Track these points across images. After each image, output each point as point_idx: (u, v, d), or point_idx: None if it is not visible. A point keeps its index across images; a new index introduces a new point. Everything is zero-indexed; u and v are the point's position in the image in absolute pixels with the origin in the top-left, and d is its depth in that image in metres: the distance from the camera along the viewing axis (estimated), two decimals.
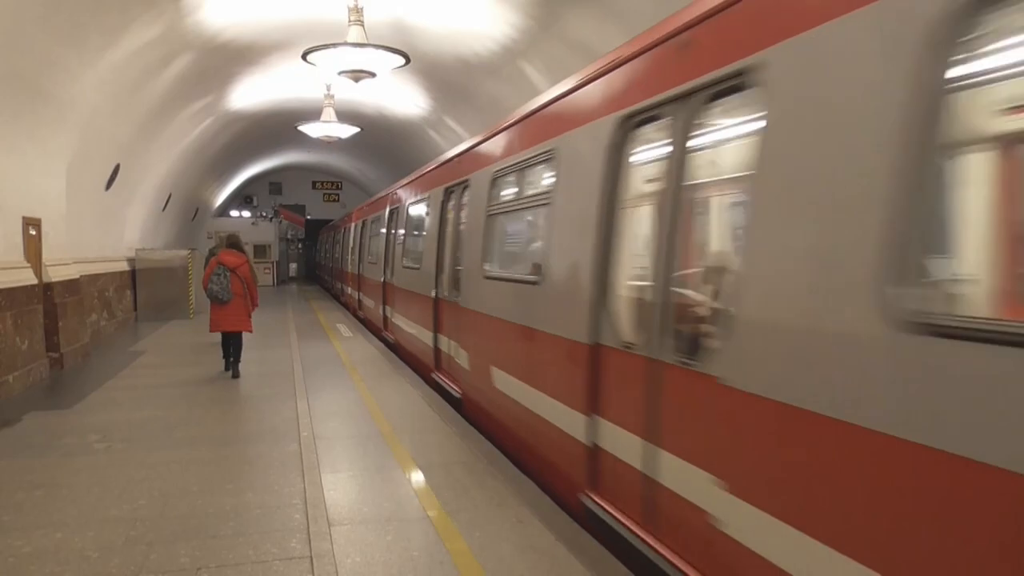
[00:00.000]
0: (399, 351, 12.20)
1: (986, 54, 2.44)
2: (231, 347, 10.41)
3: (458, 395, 8.03)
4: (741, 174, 3.31)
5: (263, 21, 12.18)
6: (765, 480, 2.95)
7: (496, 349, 6.66)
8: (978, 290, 2.89)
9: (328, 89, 16.11)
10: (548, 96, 5.80)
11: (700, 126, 3.68)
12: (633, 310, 4.36)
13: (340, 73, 10.70)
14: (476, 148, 7.90)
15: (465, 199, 8.13)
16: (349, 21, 10.04)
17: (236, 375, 10.30)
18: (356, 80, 10.85)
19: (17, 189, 9.79)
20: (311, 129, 17.44)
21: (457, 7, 11.38)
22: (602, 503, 4.47)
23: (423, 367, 10.05)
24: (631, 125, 4.31)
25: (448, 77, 14.96)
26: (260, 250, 31.87)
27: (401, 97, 17.75)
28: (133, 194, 16.53)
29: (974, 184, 2.92)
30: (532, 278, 5.73)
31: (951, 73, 2.29)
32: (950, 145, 2.62)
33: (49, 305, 10.73)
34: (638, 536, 3.99)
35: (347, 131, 17.43)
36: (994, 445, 2.06)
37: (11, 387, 9.06)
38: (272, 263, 33.52)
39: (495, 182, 6.97)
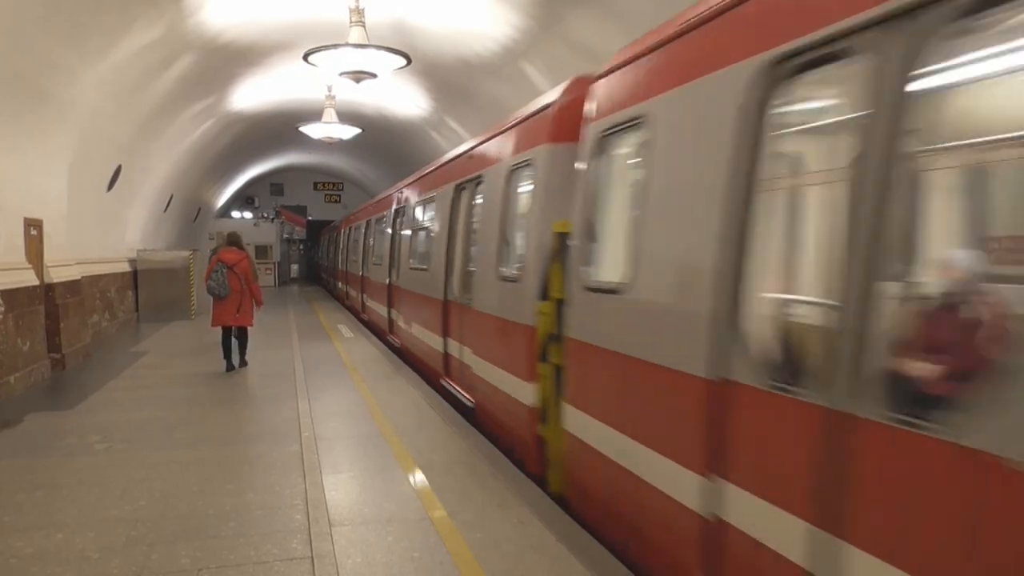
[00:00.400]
0: (405, 355, 11.93)
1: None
2: (235, 342, 10.87)
3: (472, 404, 7.54)
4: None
5: (264, 22, 12.18)
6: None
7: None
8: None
9: (329, 90, 16.11)
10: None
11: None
12: (793, 335, 3.22)
13: (341, 74, 10.70)
14: (488, 142, 7.27)
15: (479, 195, 7.48)
16: (350, 22, 10.04)
17: (243, 364, 10.95)
18: (357, 81, 10.85)
19: (18, 190, 9.79)
20: (312, 130, 17.45)
21: (458, 8, 11.38)
22: None
23: (431, 372, 9.69)
24: (784, 73, 3.03)
25: (449, 78, 14.96)
26: (261, 251, 31.86)
27: (402, 98, 17.76)
28: (134, 195, 16.55)
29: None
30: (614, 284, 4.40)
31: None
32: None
33: (50, 306, 10.73)
34: None
35: (348, 132, 17.44)
36: (609, 339, 4.36)
37: (12, 388, 9.06)
38: (273, 264, 33.53)
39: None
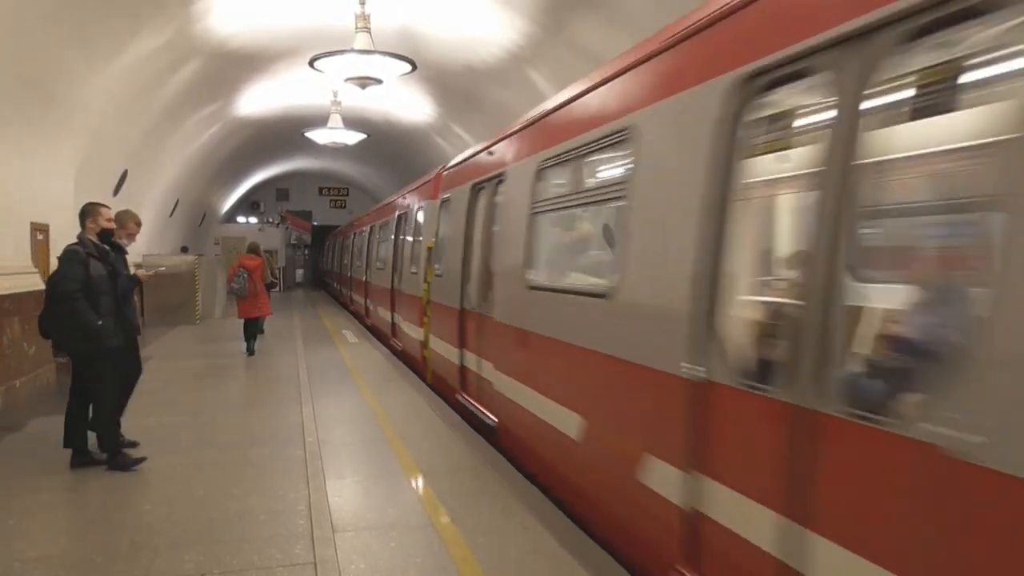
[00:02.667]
0: (407, 360, 11.73)
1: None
2: (255, 329, 13.07)
3: (493, 423, 6.93)
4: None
5: (271, 28, 12.24)
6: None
7: (563, 378, 5.31)
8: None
9: (335, 96, 16.17)
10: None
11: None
12: (762, 334, 3.39)
13: (347, 80, 10.74)
14: (513, 136, 6.95)
15: (500, 196, 7.15)
16: (356, 28, 10.08)
17: (251, 352, 12.74)
18: (363, 87, 10.89)
19: (25, 194, 9.83)
20: (318, 135, 17.51)
21: (464, 14, 11.42)
22: None
23: (445, 387, 9.10)
24: (756, 89, 3.22)
25: (454, 84, 15.00)
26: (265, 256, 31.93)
27: (408, 104, 17.81)
28: (141, 199, 16.60)
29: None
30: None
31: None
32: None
33: None
34: None
35: (354, 138, 17.50)
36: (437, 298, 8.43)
37: (18, 392, 9.09)
38: (278, 269, 33.61)
39: (542, 173, 5.90)
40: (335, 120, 16.66)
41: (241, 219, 36.52)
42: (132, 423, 7.84)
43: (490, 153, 7.59)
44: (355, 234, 22.20)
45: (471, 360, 7.71)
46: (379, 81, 10.75)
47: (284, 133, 21.67)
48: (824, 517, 2.62)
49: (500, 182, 6.99)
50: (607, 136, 4.64)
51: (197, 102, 15.04)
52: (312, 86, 15.61)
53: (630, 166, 4.27)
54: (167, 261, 17.80)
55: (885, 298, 3.15)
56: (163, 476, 6.04)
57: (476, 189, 7.87)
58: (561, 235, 6.44)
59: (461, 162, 9.06)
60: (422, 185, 12.22)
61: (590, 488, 4.74)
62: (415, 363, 11.07)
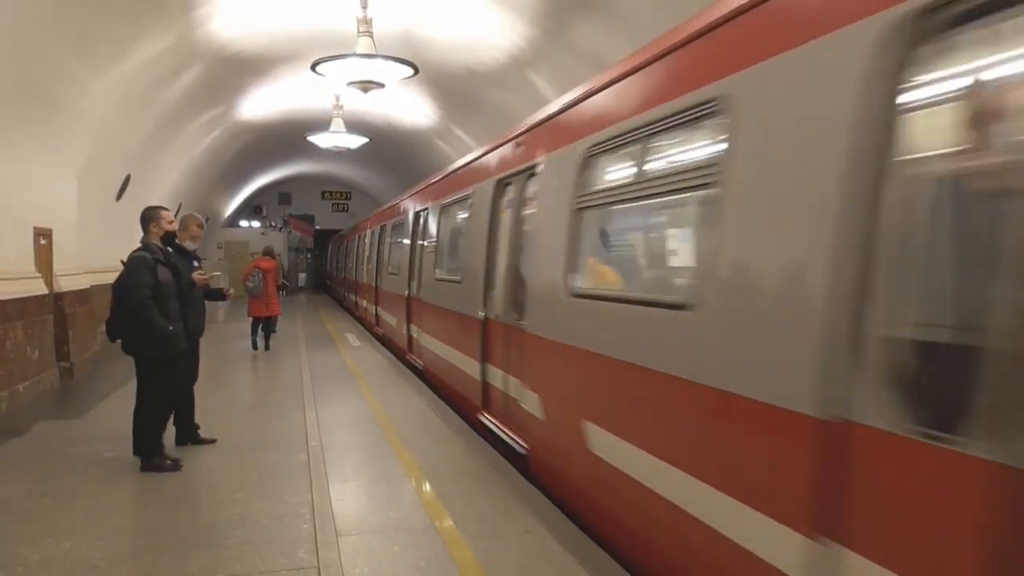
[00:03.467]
0: (428, 379, 10.44)
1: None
2: (266, 328, 14.01)
3: (524, 451, 6.12)
4: None
5: (273, 33, 12.26)
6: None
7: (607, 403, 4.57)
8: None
9: (337, 99, 16.19)
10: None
11: None
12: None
13: (349, 84, 10.75)
14: (548, 123, 6.00)
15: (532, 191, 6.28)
16: (358, 32, 10.08)
17: (267, 348, 13.92)
18: (365, 91, 10.90)
19: (28, 199, 9.85)
20: (320, 139, 17.52)
21: (465, 18, 11.43)
22: None
23: (465, 404, 8.28)
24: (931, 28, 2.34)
25: (456, 87, 15.02)
26: None
27: (409, 107, 17.82)
28: (143, 204, 16.57)
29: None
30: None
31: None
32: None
33: (59, 315, 10.78)
34: None
35: (356, 141, 17.51)
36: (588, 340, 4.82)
37: (21, 396, 9.10)
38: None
39: (589, 161, 5.01)
40: (337, 124, 16.67)
41: (244, 223, 36.55)
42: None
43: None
44: (359, 236, 21.75)
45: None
46: (381, 85, 10.76)
47: (286, 137, 21.70)
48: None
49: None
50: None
51: (199, 106, 15.07)
52: (314, 90, 15.63)
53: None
54: None
55: None
56: (167, 479, 6.04)
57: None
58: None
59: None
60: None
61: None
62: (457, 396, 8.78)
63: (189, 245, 7.07)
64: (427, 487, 5.76)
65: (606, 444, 4.46)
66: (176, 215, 20.97)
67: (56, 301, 10.75)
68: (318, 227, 39.52)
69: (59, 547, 4.67)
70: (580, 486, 5.03)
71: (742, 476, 3.12)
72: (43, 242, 10.41)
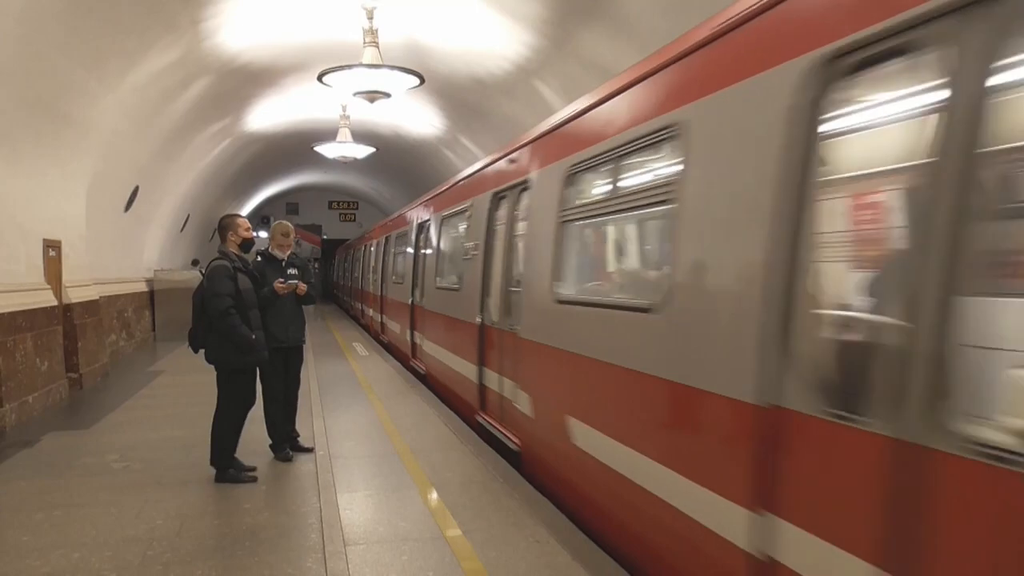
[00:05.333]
0: (431, 383, 10.87)
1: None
2: None
3: (516, 448, 6.55)
4: None
5: (279, 44, 12.34)
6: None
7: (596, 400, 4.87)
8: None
9: (344, 110, 16.28)
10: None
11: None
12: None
13: (355, 94, 10.81)
14: (538, 141, 6.48)
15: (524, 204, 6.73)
16: (364, 43, 10.15)
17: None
18: (371, 101, 10.96)
19: (38, 212, 9.92)
20: (327, 150, 17.62)
21: (471, 27, 11.48)
22: None
23: (464, 406, 8.72)
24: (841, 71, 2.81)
25: (462, 97, 15.07)
26: None
27: (416, 117, 17.90)
28: (152, 215, 16.73)
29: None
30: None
31: None
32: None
33: (68, 326, 10.84)
34: None
35: (363, 151, 17.60)
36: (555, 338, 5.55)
37: (31, 408, 9.14)
38: None
39: (572, 179, 5.49)
40: (344, 134, 16.77)
41: (254, 233, 36.77)
42: (143, 436, 7.89)
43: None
44: (365, 246, 22.10)
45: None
46: (388, 95, 10.82)
47: (293, 147, 21.82)
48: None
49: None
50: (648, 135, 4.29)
51: (207, 118, 15.16)
52: (321, 100, 15.71)
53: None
54: (179, 276, 17.92)
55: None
56: (175, 491, 6.05)
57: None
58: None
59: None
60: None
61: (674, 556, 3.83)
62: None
63: (278, 254, 7.06)
64: (435, 496, 5.76)
65: (584, 435, 4.92)
66: (184, 227, 21.07)
67: (65, 312, 10.80)
68: (325, 237, 39.69)
69: (68, 559, 4.68)
70: (566, 478, 5.40)
71: (696, 459, 3.55)
72: (52, 254, 10.47)
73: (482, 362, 7.77)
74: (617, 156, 4.68)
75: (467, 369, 8.38)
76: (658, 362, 3.91)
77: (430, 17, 11.32)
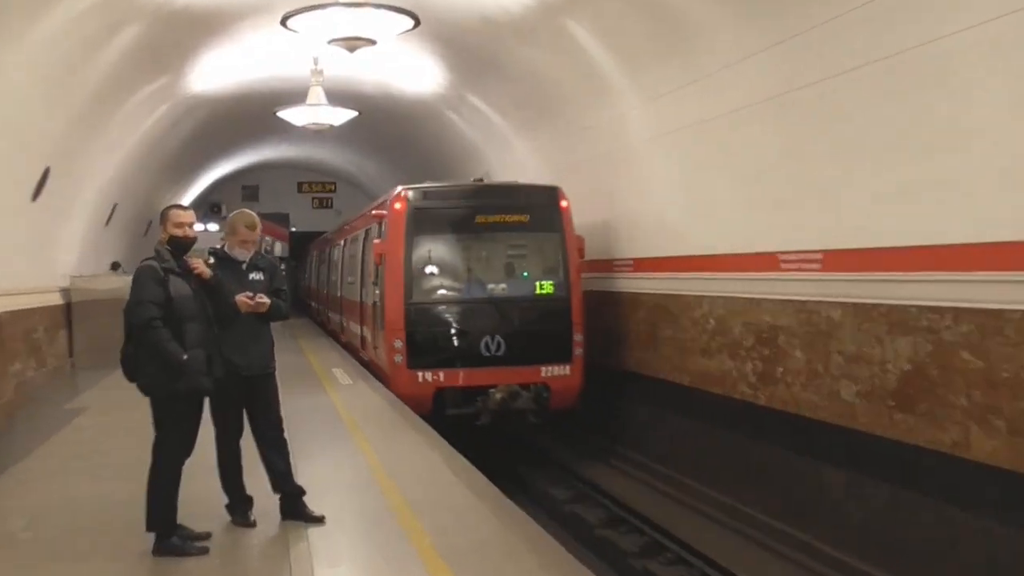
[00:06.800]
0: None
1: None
2: None
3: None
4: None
5: None
6: None
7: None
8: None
9: (316, 64, 16.27)
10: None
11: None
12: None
13: (331, 42, 10.81)
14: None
15: None
16: None
17: None
18: (351, 50, 10.95)
19: None
20: (295, 115, 17.67)
21: None
22: None
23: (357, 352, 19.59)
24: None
25: (470, 43, 15.08)
26: None
27: (410, 71, 17.93)
28: (68, 205, 16.76)
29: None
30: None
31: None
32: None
33: None
34: None
35: (341, 116, 17.65)
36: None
37: None
38: None
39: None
40: (317, 95, 16.75)
41: (199, 227, 36.85)
42: (59, 495, 7.88)
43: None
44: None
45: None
46: (372, 42, 10.80)
47: (252, 114, 21.91)
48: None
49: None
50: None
51: (139, 77, 15.22)
52: (286, 52, 15.77)
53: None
54: (103, 284, 17.93)
55: None
56: (103, 569, 6.03)
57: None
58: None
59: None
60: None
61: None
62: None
63: (240, 255, 6.90)
64: (443, 567, 5.71)
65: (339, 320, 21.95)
66: (109, 219, 21.22)
67: None
68: (294, 229, 39.70)
69: None
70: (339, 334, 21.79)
71: (355, 315, 18.16)
72: None
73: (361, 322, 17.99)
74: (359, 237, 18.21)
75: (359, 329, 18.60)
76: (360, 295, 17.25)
77: None
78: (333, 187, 39.56)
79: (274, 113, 18.35)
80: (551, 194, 14.44)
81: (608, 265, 15.49)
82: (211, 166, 30.92)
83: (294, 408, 12.09)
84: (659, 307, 13.73)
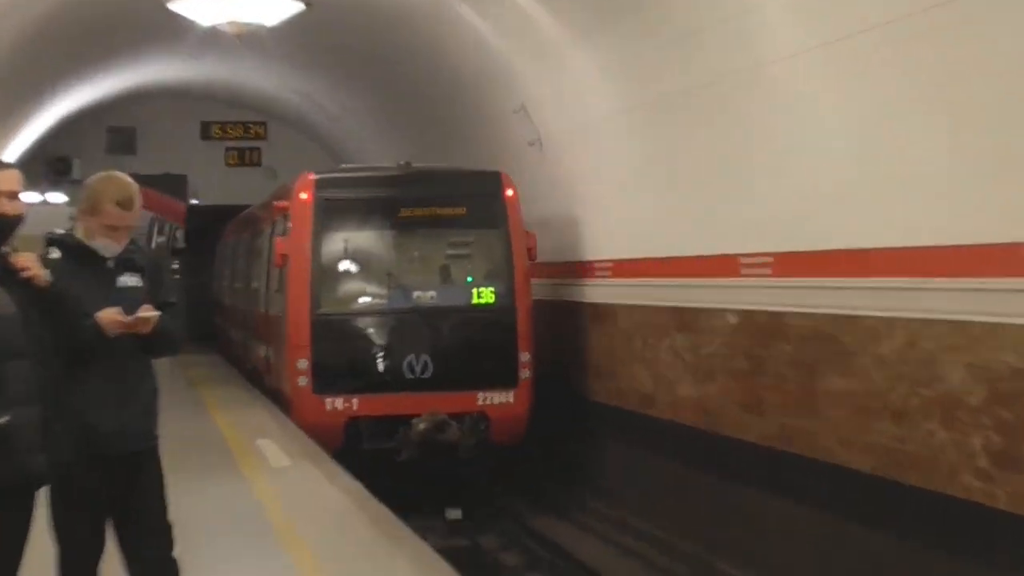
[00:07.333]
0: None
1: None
2: None
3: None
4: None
5: None
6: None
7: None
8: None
9: None
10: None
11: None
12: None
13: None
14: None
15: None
16: None
17: None
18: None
19: None
20: (199, 9, 17.63)
21: None
22: None
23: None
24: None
25: None
26: None
27: None
28: None
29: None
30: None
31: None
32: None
33: None
34: None
35: (278, 11, 17.58)
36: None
37: None
38: None
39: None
40: None
41: (34, 196, 36.97)
42: None
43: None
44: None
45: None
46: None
47: (126, 7, 21.97)
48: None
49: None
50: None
51: None
52: None
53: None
54: None
55: None
56: None
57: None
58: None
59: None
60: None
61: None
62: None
63: (107, 247, 6.77)
64: None
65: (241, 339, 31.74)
66: None
67: None
68: (195, 201, 39.93)
69: None
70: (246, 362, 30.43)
71: (262, 330, 26.78)
72: None
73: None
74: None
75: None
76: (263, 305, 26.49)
77: None
78: (263, 130, 39.59)
79: (163, 6, 18.30)
80: (493, 181, 17.09)
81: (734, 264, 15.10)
82: (55, 94, 31.00)
83: (191, 511, 12.02)
84: (819, 337, 13.14)
